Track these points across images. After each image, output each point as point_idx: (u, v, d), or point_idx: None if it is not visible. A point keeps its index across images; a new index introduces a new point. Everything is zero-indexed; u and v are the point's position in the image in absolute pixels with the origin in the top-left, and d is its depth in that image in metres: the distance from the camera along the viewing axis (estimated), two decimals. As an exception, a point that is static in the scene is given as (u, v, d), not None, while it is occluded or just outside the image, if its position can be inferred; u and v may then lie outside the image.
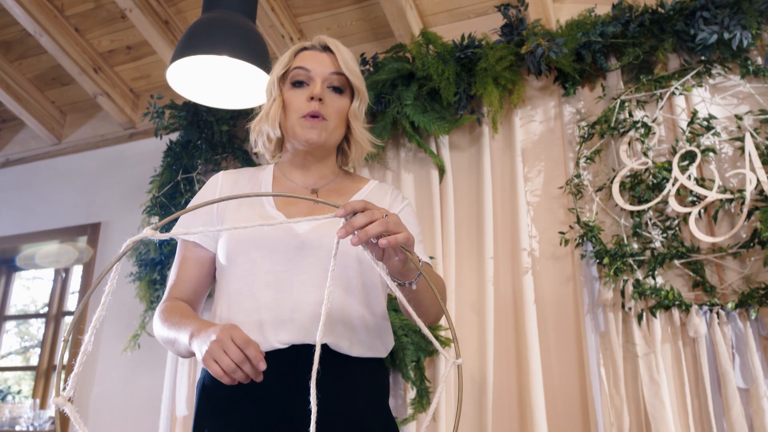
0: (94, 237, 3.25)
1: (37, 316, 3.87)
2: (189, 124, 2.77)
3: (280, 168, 1.28)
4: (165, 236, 0.74)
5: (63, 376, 0.68)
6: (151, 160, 3.11)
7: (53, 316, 3.64)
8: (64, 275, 3.73)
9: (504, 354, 2.11)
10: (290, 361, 1.04)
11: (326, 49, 1.23)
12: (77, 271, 3.72)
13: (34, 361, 3.82)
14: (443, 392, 2.06)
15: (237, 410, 1.05)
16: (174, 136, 2.88)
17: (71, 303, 3.67)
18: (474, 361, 2.10)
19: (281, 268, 1.09)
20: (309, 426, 0.76)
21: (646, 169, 2.03)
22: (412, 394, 2.08)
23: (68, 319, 3.61)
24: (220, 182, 1.26)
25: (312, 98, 1.17)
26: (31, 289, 4.06)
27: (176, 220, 1.25)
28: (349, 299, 1.11)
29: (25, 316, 3.96)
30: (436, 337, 2.12)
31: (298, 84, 1.21)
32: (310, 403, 0.78)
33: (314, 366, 0.80)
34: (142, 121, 3.32)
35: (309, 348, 1.03)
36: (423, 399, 2.06)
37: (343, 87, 1.22)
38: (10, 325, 3.96)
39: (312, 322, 1.05)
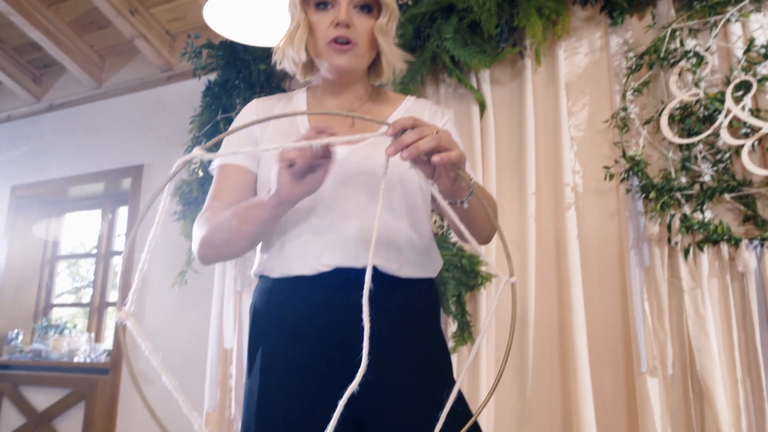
0: (137, 179, 3.32)
1: (86, 256, 4.02)
2: (226, 64, 2.76)
3: (312, 93, 1.25)
4: (212, 156, 0.75)
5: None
6: (190, 101, 3.13)
7: (102, 256, 3.78)
8: (110, 217, 3.85)
9: (545, 289, 2.11)
10: (340, 283, 1.04)
11: None
12: (123, 213, 3.83)
13: (85, 300, 3.99)
14: (494, 312, 2.08)
15: (287, 335, 1.06)
16: (212, 77, 2.88)
17: (119, 244, 3.80)
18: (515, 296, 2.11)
19: (323, 195, 1.07)
20: (360, 349, 0.74)
21: (697, 101, 1.96)
22: (453, 327, 2.11)
23: (116, 259, 3.74)
24: (254, 108, 1.23)
25: (338, 24, 1.10)
26: (80, 231, 4.20)
27: (221, 142, 1.24)
28: (395, 221, 1.09)
29: (75, 256, 4.12)
30: (477, 273, 2.13)
31: (322, 6, 1.13)
32: (360, 327, 0.76)
33: (366, 283, 0.78)
34: (180, 63, 3.32)
35: (356, 272, 1.03)
36: (464, 332, 2.09)
37: (371, 4, 1.13)
38: (61, 266, 4.13)
39: (357, 245, 1.05)
